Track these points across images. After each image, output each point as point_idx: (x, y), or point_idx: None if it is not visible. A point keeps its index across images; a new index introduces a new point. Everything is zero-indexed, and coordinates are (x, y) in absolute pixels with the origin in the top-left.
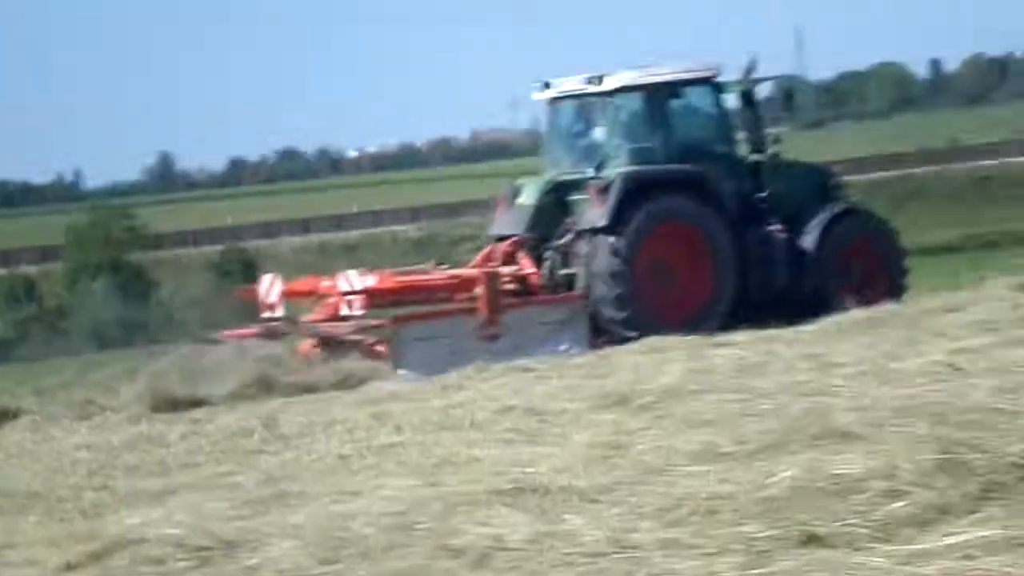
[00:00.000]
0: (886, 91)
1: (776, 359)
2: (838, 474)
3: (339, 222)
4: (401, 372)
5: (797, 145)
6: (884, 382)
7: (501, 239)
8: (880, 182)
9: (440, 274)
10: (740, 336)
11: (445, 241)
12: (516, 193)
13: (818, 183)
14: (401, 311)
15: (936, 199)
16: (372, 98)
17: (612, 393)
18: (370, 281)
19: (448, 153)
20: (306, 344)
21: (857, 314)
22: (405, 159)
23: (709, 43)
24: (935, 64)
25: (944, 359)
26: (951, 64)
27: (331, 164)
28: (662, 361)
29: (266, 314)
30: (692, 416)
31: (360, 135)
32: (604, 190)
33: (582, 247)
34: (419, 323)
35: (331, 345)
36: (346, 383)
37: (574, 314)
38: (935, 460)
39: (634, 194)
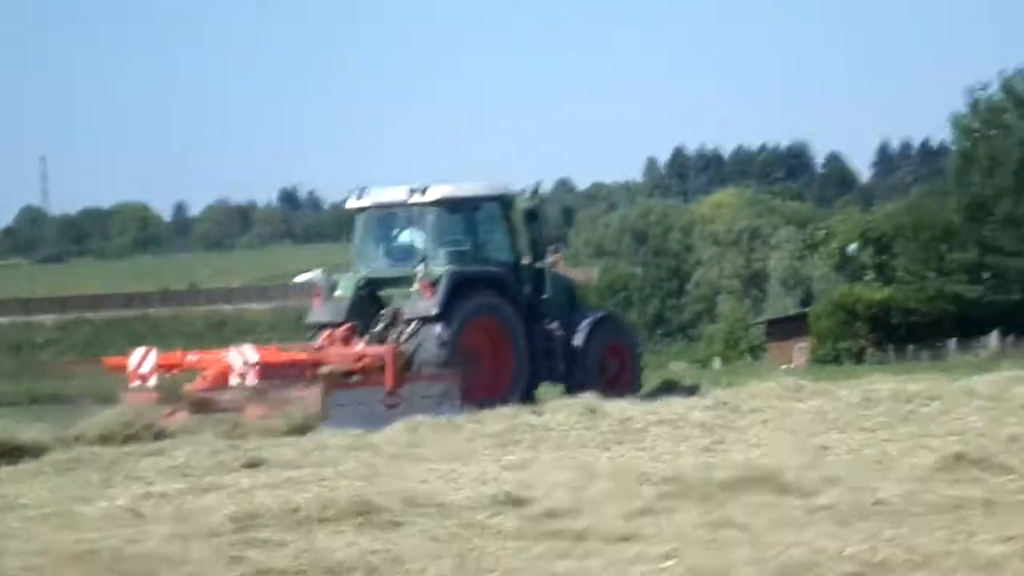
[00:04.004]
0: (129, 230)
1: None
2: None
3: None
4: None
5: (35, 279)
6: (64, 526)
7: (321, 327)
8: (117, 320)
9: (338, 349)
10: None
11: None
12: (332, 287)
13: (572, 290)
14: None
15: (172, 339)
16: None
17: None
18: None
19: None
20: (173, 410)
21: (56, 455)
22: None
23: None
24: (179, 207)
25: (128, 504)
26: (195, 208)
27: None
28: None
29: (136, 384)
30: None
31: None
32: (433, 284)
33: (395, 334)
34: (341, 391)
35: (204, 411)
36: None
37: (450, 387)
38: None
39: (457, 289)
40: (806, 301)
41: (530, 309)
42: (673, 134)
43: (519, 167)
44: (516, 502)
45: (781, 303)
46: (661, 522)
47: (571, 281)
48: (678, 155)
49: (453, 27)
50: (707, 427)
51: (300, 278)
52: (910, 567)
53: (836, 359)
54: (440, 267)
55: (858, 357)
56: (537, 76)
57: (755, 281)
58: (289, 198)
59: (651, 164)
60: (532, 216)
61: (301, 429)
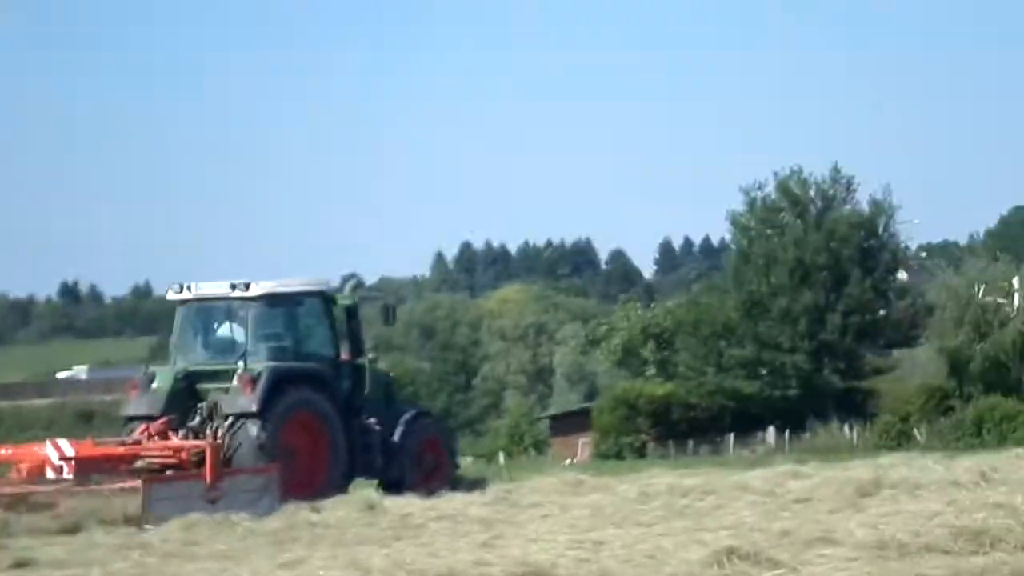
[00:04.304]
0: None
1: None
2: None
3: None
4: (147, 526)
5: None
6: None
7: (138, 420)
8: None
9: (153, 444)
10: None
11: None
12: (151, 379)
13: (390, 386)
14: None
15: None
16: None
17: None
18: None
19: None
20: None
21: None
22: None
23: None
24: None
25: None
26: None
27: None
28: None
29: None
30: None
31: None
32: (253, 381)
33: (212, 428)
34: (162, 485)
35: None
36: None
37: (270, 481)
38: None
39: (276, 385)
40: (590, 396)
41: (348, 404)
42: (460, 229)
43: (307, 262)
44: None
45: (566, 398)
46: None
47: (389, 377)
48: (466, 250)
49: (245, 118)
50: (486, 522)
51: (63, 374)
52: None
53: (619, 454)
54: (260, 362)
55: (640, 452)
56: (322, 170)
57: (541, 376)
58: (70, 292)
59: (439, 259)
60: (352, 312)
61: (71, 528)
